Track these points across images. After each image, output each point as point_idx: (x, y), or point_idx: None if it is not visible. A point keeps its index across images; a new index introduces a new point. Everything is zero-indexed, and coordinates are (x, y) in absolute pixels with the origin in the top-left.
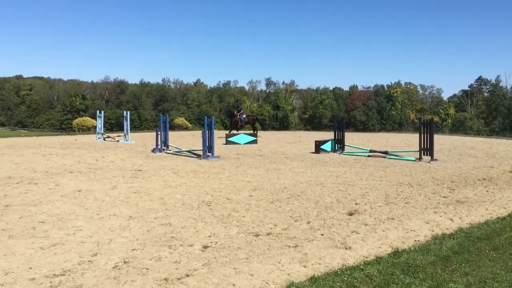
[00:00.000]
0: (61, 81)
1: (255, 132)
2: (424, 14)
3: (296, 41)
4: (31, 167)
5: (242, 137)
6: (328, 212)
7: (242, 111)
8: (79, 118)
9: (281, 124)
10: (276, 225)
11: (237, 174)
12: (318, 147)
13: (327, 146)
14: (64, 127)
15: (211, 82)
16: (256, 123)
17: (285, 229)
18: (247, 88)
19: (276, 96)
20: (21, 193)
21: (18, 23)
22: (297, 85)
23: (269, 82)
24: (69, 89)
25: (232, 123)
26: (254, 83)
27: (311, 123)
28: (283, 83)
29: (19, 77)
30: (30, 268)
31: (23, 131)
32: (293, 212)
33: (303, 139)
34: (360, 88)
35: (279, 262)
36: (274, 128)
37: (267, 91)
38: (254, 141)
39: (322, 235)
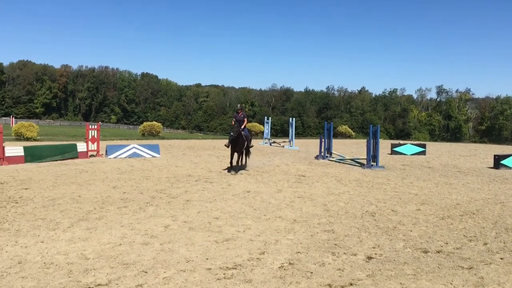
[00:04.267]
0: (233, 89)
1: None
2: None
3: (472, 46)
4: (207, 167)
5: (408, 147)
6: (509, 234)
7: (245, 121)
8: (248, 124)
9: (453, 135)
10: (447, 243)
11: (403, 185)
12: (498, 161)
13: (509, 161)
14: None
15: (376, 90)
16: None
17: (457, 249)
18: (415, 96)
19: (448, 105)
20: (199, 190)
21: (197, 40)
22: (473, 94)
23: (440, 90)
24: (240, 96)
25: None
26: (424, 91)
27: (489, 135)
28: (456, 91)
29: (198, 85)
30: (207, 259)
31: (200, 134)
32: (467, 231)
33: (479, 152)
34: None
35: (451, 283)
36: (444, 139)
37: (438, 99)
38: (423, 153)
39: (501, 259)
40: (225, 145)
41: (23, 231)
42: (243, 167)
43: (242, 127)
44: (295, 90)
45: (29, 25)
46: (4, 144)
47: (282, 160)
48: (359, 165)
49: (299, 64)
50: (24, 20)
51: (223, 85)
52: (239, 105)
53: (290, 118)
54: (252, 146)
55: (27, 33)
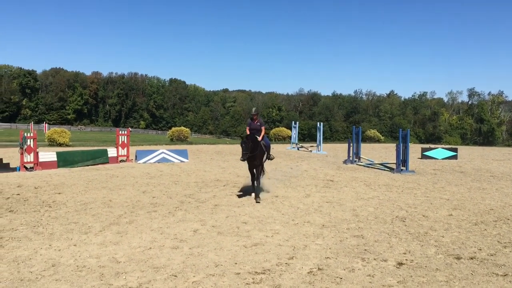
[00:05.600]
0: (260, 94)
1: None
2: None
3: (504, 48)
4: (235, 172)
5: (439, 151)
6: None
7: (263, 130)
8: (276, 128)
9: (485, 139)
10: (480, 250)
11: (434, 190)
12: None
13: None
14: None
15: (405, 93)
16: None
17: (491, 255)
18: (446, 99)
19: (480, 108)
20: (227, 195)
21: (224, 45)
22: (506, 96)
23: (472, 93)
24: (267, 101)
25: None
26: (455, 94)
27: None
28: (489, 94)
29: (225, 91)
30: (236, 264)
31: (227, 139)
32: (501, 237)
33: None
34: None
35: None
36: (476, 143)
37: (470, 102)
38: (454, 157)
39: None
40: (241, 160)
41: (57, 235)
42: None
43: (260, 138)
44: (322, 94)
45: (61, 33)
46: (37, 150)
47: (310, 164)
48: (388, 169)
49: (327, 68)
50: (56, 29)
51: (250, 90)
52: (253, 109)
53: (318, 123)
54: (273, 158)
55: (59, 42)
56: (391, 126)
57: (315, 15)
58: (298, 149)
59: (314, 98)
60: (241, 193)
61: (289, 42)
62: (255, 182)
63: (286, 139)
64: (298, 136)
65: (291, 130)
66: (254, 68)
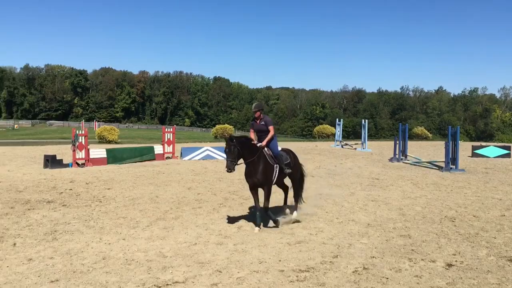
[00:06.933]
0: (304, 91)
1: None
2: None
3: None
4: None
5: (491, 149)
6: None
7: (271, 130)
8: (319, 126)
9: None
10: None
11: (485, 190)
12: None
13: None
14: (305, 134)
15: (455, 89)
16: None
17: None
18: (498, 95)
19: None
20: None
21: (268, 43)
22: None
23: None
24: (310, 98)
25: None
26: (508, 89)
27: None
28: None
29: (268, 88)
30: (280, 261)
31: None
32: None
33: None
34: None
35: None
36: None
37: None
38: (507, 155)
39: None
40: (226, 171)
41: (107, 229)
42: (286, 209)
43: (264, 142)
44: (367, 91)
45: (110, 34)
46: (89, 147)
47: (355, 162)
48: (436, 168)
49: (372, 64)
50: (106, 30)
51: (293, 87)
52: (253, 105)
53: (363, 120)
54: (288, 172)
55: (109, 42)
56: (440, 123)
57: (359, 11)
58: (342, 147)
59: (358, 95)
60: None
61: (333, 39)
62: (261, 210)
63: (330, 137)
64: (342, 134)
65: (335, 128)
66: (297, 65)
